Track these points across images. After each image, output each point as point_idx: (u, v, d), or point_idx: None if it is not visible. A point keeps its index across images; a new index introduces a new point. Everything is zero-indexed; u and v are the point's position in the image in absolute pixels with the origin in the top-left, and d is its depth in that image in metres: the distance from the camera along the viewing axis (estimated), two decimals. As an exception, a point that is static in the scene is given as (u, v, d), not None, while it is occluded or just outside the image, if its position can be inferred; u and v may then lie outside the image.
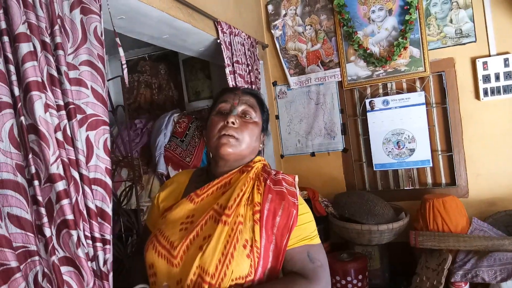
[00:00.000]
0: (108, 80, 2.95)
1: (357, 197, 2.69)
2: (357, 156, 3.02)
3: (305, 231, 1.16)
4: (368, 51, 2.87)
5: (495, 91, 2.57)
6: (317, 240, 1.18)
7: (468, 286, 2.19)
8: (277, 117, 3.27)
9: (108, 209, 1.29)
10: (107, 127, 1.32)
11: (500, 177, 2.58)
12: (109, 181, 1.30)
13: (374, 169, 2.92)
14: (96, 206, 1.25)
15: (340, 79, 3.01)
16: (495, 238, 2.23)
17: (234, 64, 2.53)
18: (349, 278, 2.38)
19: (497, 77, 2.56)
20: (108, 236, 1.26)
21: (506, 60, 2.53)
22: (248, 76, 2.75)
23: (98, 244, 1.22)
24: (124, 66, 1.53)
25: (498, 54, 2.56)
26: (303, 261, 1.12)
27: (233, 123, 1.17)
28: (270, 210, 1.13)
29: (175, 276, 1.09)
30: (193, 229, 1.13)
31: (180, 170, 2.80)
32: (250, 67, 2.78)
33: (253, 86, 2.87)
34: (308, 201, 2.72)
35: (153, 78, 3.62)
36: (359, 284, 2.39)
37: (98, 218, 1.25)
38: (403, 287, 2.47)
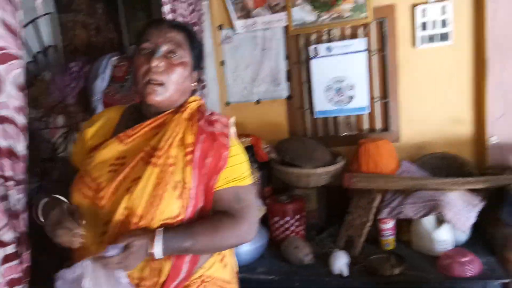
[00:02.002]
0: (37, 18, 2.70)
1: (298, 143, 2.76)
2: (300, 103, 3.05)
3: (235, 172, 1.18)
4: (313, -5, 2.82)
5: (432, 38, 2.64)
6: (247, 181, 1.21)
7: (393, 222, 2.37)
8: (222, 63, 3.19)
9: (21, 148, 1.22)
10: (20, 61, 1.22)
11: (429, 123, 2.73)
12: (22, 119, 1.23)
13: (315, 116, 2.98)
14: (9, 145, 1.18)
15: (286, 24, 2.95)
16: (419, 178, 2.41)
17: (174, 2, 2.39)
18: (287, 218, 2.50)
19: (434, 25, 2.62)
20: (21, 176, 1.20)
21: (444, 7, 2.58)
22: (190, 16, 2.62)
23: (9, 183, 1.17)
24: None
25: (436, 1, 2.60)
26: (230, 201, 1.16)
27: (157, 66, 1.13)
28: (202, 151, 1.13)
29: (102, 217, 1.08)
30: (122, 171, 1.11)
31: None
32: (193, 6, 2.64)
33: (197, 28, 2.75)
34: (251, 147, 2.75)
35: (90, 18, 3.36)
36: (297, 223, 2.53)
37: (12, 157, 1.19)
38: (338, 225, 2.63)
